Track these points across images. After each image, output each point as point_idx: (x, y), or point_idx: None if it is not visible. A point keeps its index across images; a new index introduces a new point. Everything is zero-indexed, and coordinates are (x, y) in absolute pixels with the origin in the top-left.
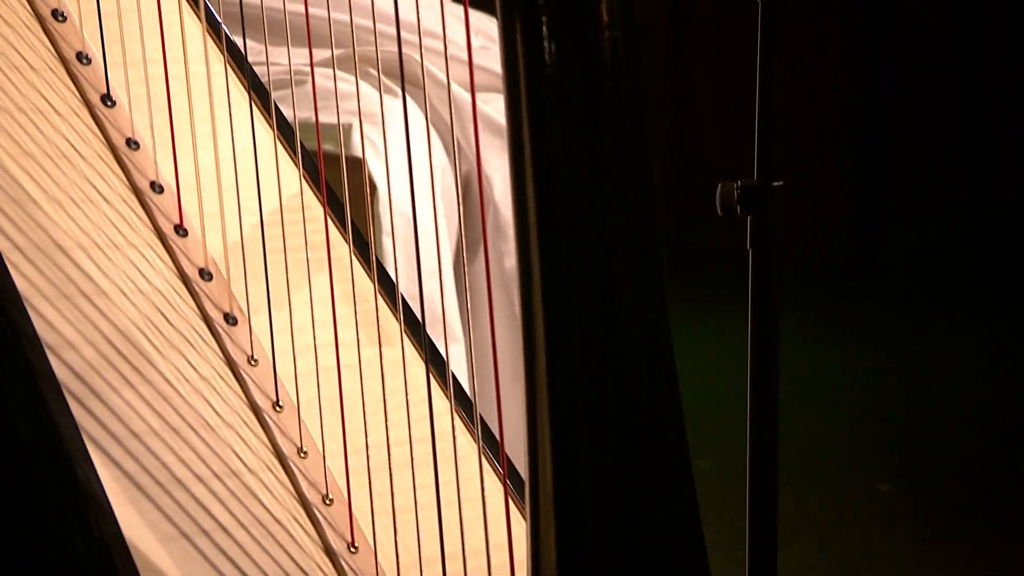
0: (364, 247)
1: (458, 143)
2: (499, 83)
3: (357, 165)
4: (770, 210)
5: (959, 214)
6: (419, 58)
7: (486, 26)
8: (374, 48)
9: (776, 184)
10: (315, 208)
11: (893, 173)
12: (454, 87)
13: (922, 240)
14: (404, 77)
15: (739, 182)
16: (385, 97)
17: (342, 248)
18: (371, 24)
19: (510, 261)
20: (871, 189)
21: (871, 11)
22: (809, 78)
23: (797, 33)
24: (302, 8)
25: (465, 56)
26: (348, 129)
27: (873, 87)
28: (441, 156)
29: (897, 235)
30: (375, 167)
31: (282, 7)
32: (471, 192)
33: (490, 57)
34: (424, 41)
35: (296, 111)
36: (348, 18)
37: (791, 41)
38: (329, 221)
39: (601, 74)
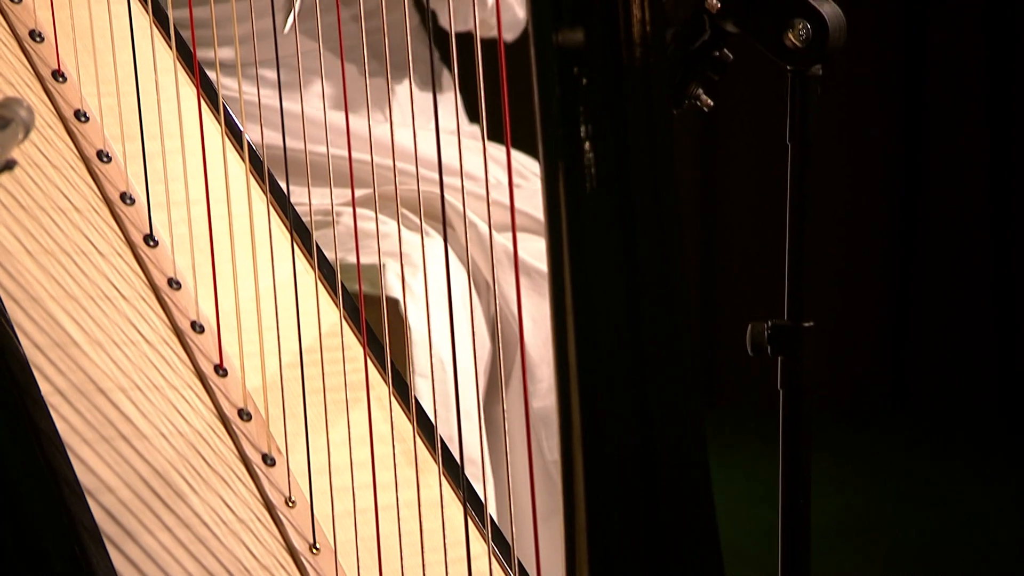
0: (402, 387)
1: (488, 284)
2: (530, 223)
3: (393, 305)
4: (800, 351)
5: (987, 350)
6: (454, 199)
7: (516, 163)
8: (414, 188)
9: (806, 325)
10: (354, 347)
11: (922, 307)
12: (484, 227)
13: (951, 375)
14: (445, 220)
15: (769, 322)
16: (415, 236)
17: (381, 388)
18: (412, 167)
19: (538, 402)
20: (900, 324)
21: (905, 138)
22: (841, 206)
23: (827, 160)
24: (344, 152)
25: (494, 195)
26: (385, 269)
27: (904, 215)
28: (473, 296)
29: (926, 370)
30: (410, 307)
31: (325, 150)
32: (501, 333)
33: (521, 196)
34: (455, 181)
35: (336, 251)
36: (391, 160)
37: (821, 171)
38: (368, 360)
39: (641, 210)
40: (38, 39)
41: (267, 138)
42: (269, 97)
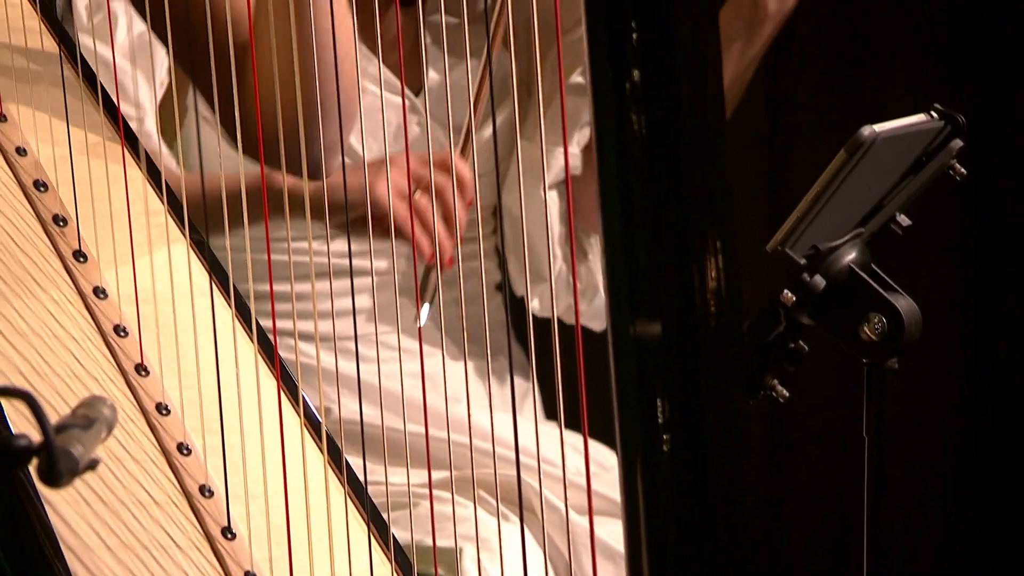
0: None
1: (568, 567)
2: (608, 506)
3: None
4: None
5: None
6: (534, 483)
7: (600, 454)
8: (492, 472)
9: None
10: None
11: None
12: (563, 509)
13: None
14: (522, 504)
15: None
16: (497, 521)
17: None
18: (490, 447)
19: None
20: None
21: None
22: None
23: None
24: (421, 429)
25: (578, 481)
26: (462, 553)
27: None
28: None
29: None
30: None
31: (402, 427)
32: None
33: (598, 483)
34: (533, 465)
35: (413, 534)
36: (467, 440)
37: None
38: None
39: (716, 500)
40: (122, 334)
41: (345, 412)
42: (347, 369)
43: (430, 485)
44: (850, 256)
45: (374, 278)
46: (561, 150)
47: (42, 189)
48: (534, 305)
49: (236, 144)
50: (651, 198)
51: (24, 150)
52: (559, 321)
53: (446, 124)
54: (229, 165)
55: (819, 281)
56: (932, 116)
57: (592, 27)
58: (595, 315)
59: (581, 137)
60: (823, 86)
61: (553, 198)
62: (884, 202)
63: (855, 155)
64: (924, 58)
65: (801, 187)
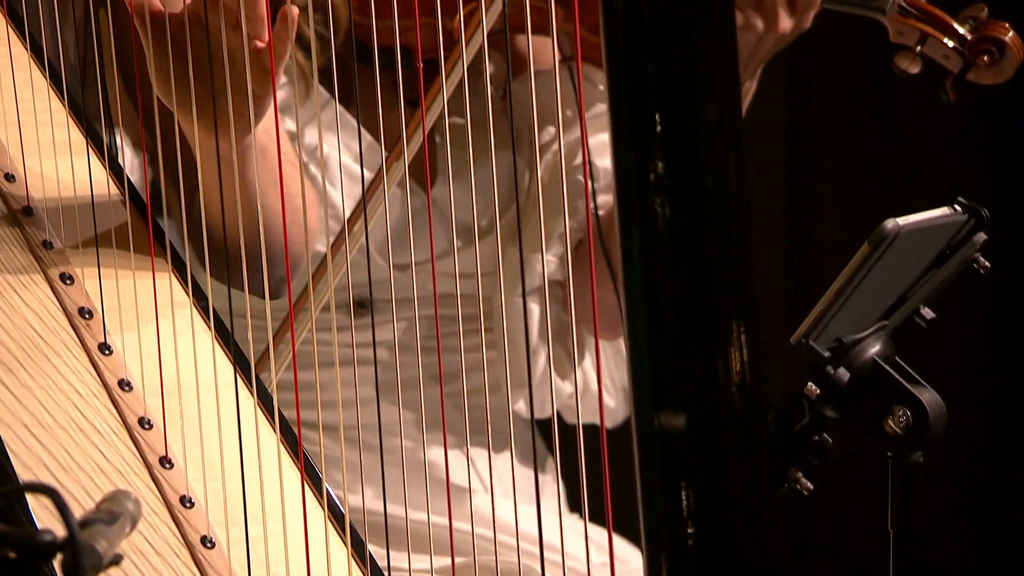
0: None
1: None
2: None
3: None
4: None
5: None
6: (539, 567)
7: (624, 554)
8: (493, 558)
9: None
10: None
11: None
12: None
13: None
14: None
15: None
16: None
17: None
18: (491, 533)
19: None
20: None
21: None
22: None
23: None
24: (445, 520)
25: (584, 570)
26: None
27: None
28: None
29: None
30: None
31: (424, 518)
32: None
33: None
34: (546, 554)
35: None
36: (469, 527)
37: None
38: None
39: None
40: (147, 426)
41: (368, 503)
42: (371, 459)
43: (454, 570)
44: (874, 349)
45: (398, 367)
46: (544, 255)
47: (68, 282)
48: (519, 407)
49: (204, 264)
50: (675, 289)
51: (50, 243)
52: (558, 417)
53: (455, 221)
54: None
55: (843, 374)
56: (955, 209)
57: (616, 117)
58: (593, 413)
59: (570, 239)
60: (847, 176)
61: (534, 302)
62: (908, 295)
63: (878, 248)
64: (949, 149)
65: (825, 279)
